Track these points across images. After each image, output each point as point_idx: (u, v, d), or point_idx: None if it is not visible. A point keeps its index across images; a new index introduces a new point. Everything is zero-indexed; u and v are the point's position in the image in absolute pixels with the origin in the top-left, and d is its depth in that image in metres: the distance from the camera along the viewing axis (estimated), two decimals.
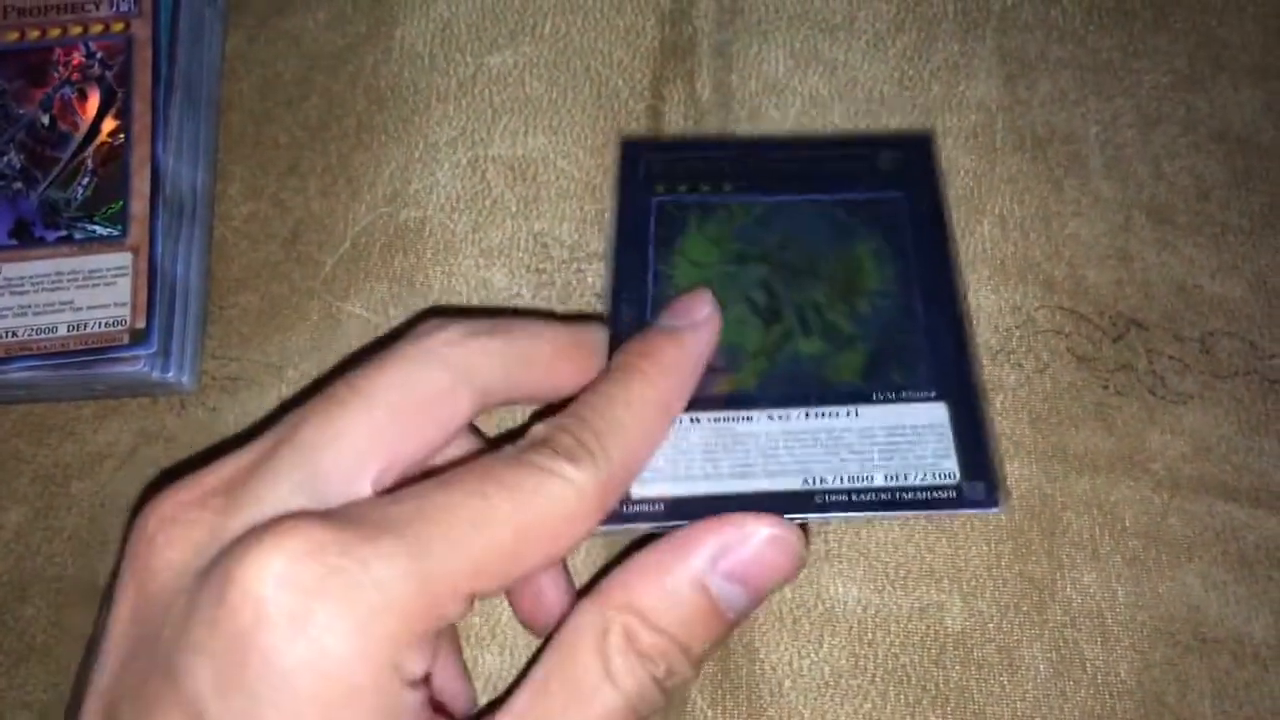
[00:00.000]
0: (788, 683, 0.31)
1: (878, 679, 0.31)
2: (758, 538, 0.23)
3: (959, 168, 0.37)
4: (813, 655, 0.32)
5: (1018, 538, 0.32)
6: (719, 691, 0.31)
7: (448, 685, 0.29)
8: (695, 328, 0.27)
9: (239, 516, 0.21)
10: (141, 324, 0.34)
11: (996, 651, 0.31)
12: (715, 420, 0.27)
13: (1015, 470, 0.33)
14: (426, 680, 0.21)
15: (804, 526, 0.25)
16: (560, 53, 0.39)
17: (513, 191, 0.37)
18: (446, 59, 0.39)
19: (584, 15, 0.39)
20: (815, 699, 0.31)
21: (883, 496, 0.25)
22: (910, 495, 0.25)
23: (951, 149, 0.37)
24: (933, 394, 0.27)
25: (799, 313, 0.29)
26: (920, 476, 0.26)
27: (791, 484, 0.26)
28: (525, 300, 0.36)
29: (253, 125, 0.39)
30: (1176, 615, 0.31)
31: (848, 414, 0.27)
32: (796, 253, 0.31)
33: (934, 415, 0.27)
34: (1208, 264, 0.35)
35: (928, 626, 0.32)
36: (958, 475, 0.26)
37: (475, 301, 0.36)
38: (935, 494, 0.25)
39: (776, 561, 0.23)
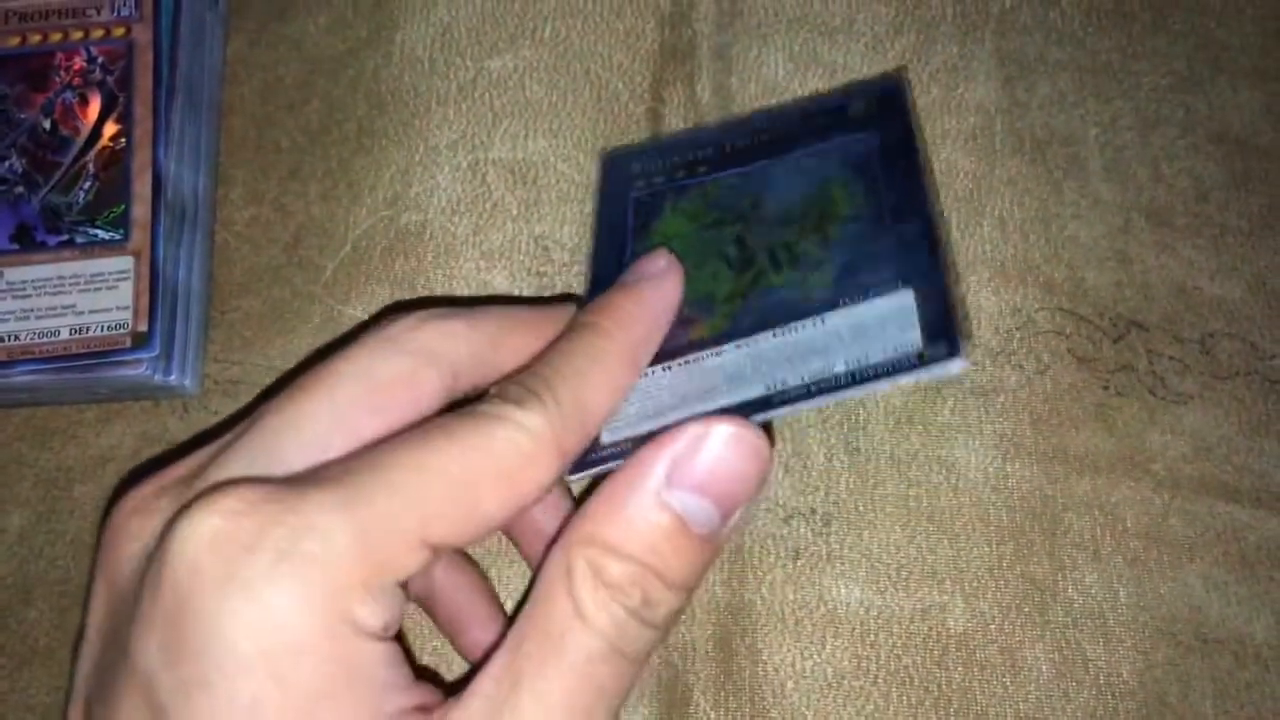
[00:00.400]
0: (790, 684, 0.31)
1: (880, 680, 0.31)
2: (711, 440, 0.22)
3: (958, 170, 0.37)
4: (815, 656, 0.32)
5: (1019, 539, 0.32)
6: (722, 693, 0.31)
7: (483, 639, 0.29)
8: (651, 279, 0.27)
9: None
10: (144, 327, 0.34)
11: (999, 652, 0.31)
12: (685, 363, 0.27)
13: (1016, 471, 0.33)
14: (399, 636, 0.21)
15: (769, 432, 0.24)
16: (560, 56, 0.39)
17: (513, 195, 0.37)
18: (447, 63, 0.39)
19: (584, 19, 0.40)
20: (818, 700, 0.31)
21: (843, 380, 0.24)
22: (872, 371, 0.24)
23: (951, 151, 0.37)
24: (899, 284, 0.26)
25: (770, 254, 0.29)
26: (882, 354, 0.25)
27: (753, 393, 0.25)
28: None
29: (254, 129, 0.39)
30: (1178, 616, 0.31)
31: (814, 324, 0.26)
32: (770, 207, 0.30)
33: (900, 302, 0.26)
34: (1207, 265, 0.35)
35: (930, 628, 0.32)
36: (920, 343, 0.24)
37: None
38: (897, 363, 0.24)
39: (735, 464, 0.22)
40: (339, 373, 0.23)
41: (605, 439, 0.25)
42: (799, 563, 0.32)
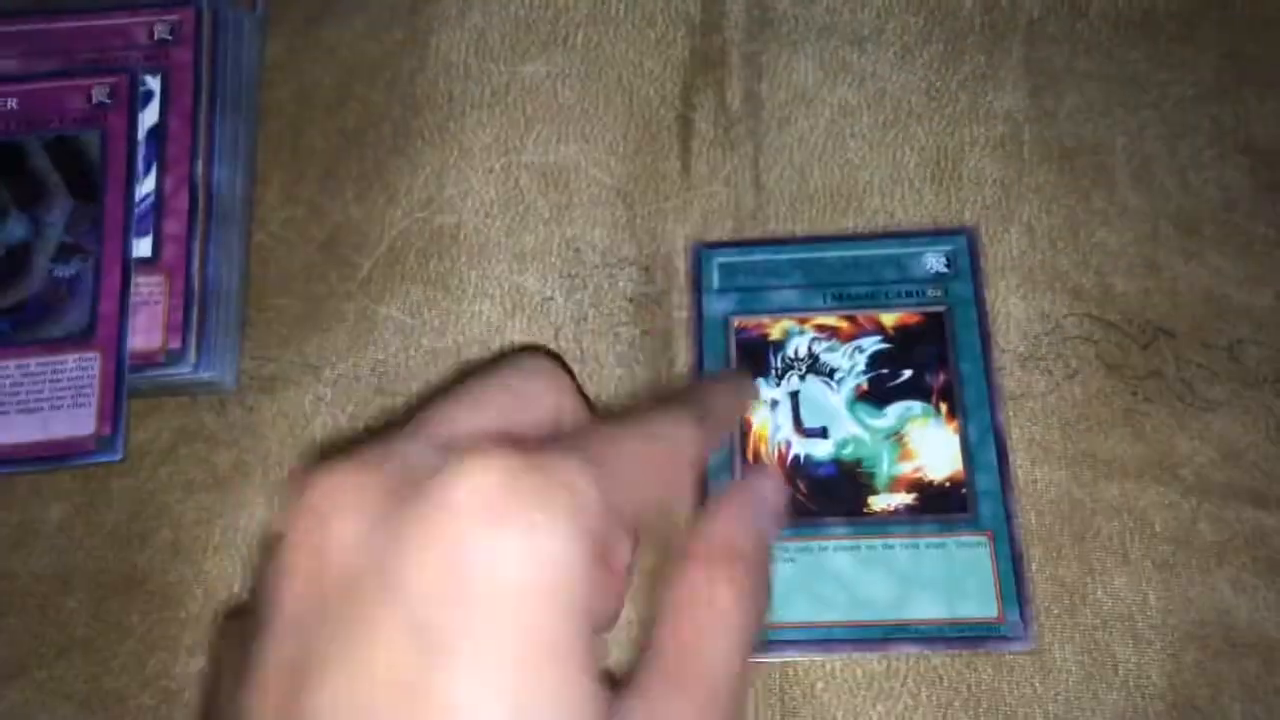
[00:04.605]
0: (820, 685, 0.32)
1: (909, 680, 0.31)
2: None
3: (987, 178, 0.37)
4: (845, 658, 0.32)
5: (1048, 542, 0.32)
6: (752, 693, 0.31)
7: None
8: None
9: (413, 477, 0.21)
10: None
11: (1028, 654, 0.31)
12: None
13: (1045, 475, 0.33)
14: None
15: None
16: (592, 63, 0.40)
17: (545, 198, 0.38)
18: (481, 68, 0.40)
19: (615, 26, 0.40)
20: (848, 699, 0.31)
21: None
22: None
23: (979, 159, 0.38)
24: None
25: None
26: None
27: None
28: (558, 304, 0.36)
29: (290, 132, 0.40)
30: (1207, 619, 0.31)
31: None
32: None
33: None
34: (1235, 273, 0.36)
35: None
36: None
37: (508, 305, 0.36)
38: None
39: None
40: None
41: None
42: None
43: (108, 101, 0.37)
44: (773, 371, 0.35)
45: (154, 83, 0.37)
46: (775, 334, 0.36)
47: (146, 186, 0.36)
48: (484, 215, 0.38)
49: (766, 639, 0.32)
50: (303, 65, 0.41)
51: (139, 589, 0.34)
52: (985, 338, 0.35)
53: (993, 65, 0.39)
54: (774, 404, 0.35)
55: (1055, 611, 0.32)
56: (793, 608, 0.32)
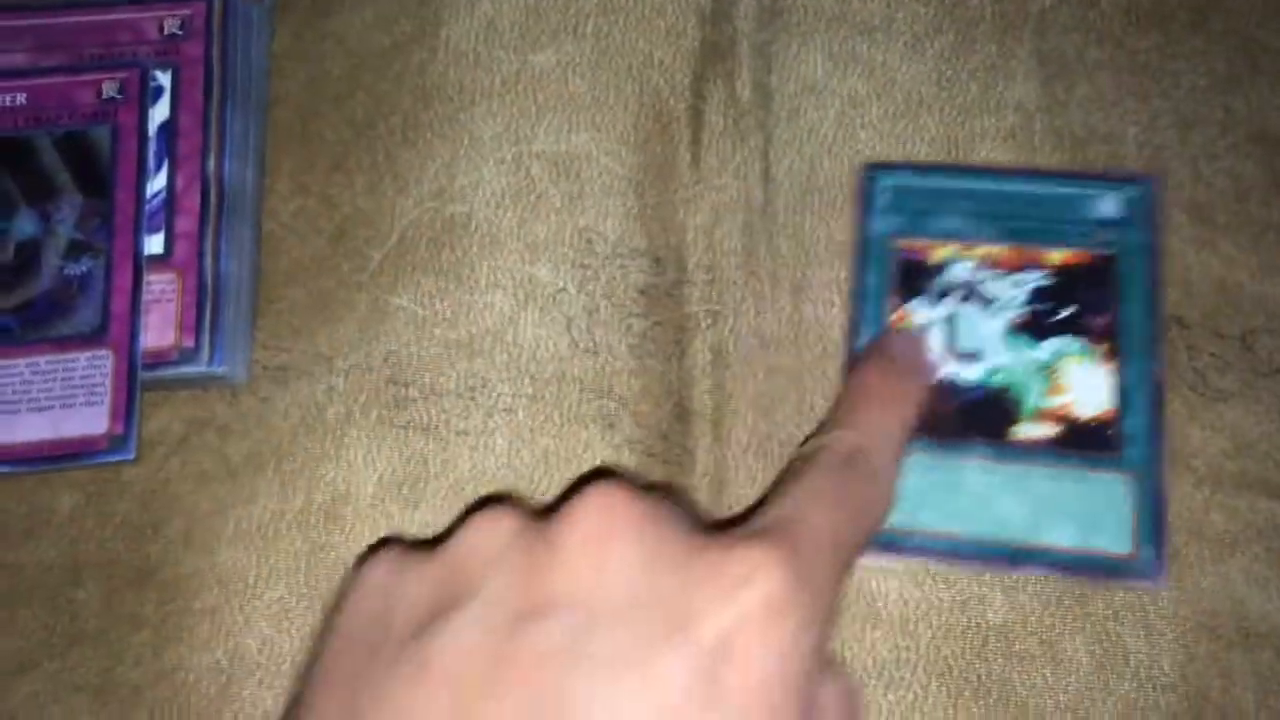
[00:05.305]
0: None
1: (920, 670, 0.32)
2: None
3: None
4: (855, 647, 0.32)
5: None
6: None
7: None
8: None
9: None
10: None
11: (1038, 644, 0.31)
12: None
13: None
14: None
15: None
16: (602, 52, 0.40)
17: (557, 187, 0.38)
18: (491, 57, 0.40)
19: (625, 15, 0.40)
20: None
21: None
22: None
23: (990, 150, 0.37)
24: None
25: None
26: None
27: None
28: (570, 295, 0.36)
29: (299, 122, 0.40)
30: (1219, 610, 0.32)
31: None
32: None
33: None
34: (1248, 263, 0.35)
35: (969, 619, 0.32)
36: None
37: (521, 296, 0.36)
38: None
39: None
40: None
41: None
42: None
43: (118, 97, 0.37)
44: (931, 294, 0.35)
45: (164, 78, 0.37)
46: (936, 258, 0.36)
47: (158, 183, 0.36)
48: (495, 205, 0.38)
49: (895, 542, 0.32)
50: (311, 55, 0.41)
51: (151, 580, 0.34)
52: (1155, 286, 0.35)
53: (1004, 55, 0.39)
54: (929, 325, 0.35)
55: (1066, 602, 0.32)
56: (924, 514, 0.33)
